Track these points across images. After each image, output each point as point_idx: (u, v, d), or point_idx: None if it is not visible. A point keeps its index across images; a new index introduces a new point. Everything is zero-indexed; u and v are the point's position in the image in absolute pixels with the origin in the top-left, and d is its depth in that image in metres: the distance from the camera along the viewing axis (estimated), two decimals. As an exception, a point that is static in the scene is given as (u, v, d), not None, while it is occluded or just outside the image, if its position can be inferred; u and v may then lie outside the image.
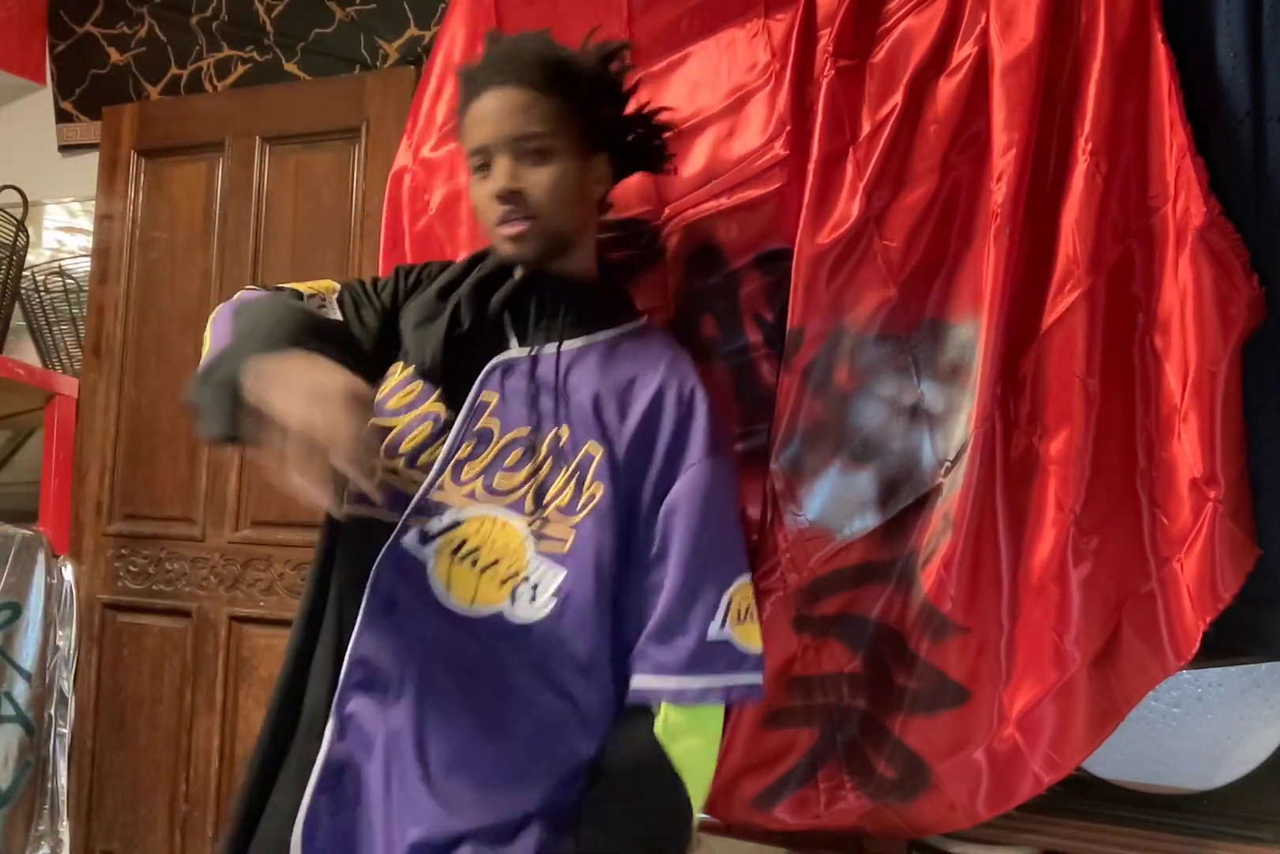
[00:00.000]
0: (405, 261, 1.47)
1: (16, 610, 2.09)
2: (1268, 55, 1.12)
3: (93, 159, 2.33)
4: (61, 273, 2.37)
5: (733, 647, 1.05)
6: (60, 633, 2.16)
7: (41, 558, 2.14)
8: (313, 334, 0.99)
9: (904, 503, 1.21)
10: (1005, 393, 1.17)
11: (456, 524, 1.05)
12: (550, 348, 1.11)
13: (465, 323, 1.11)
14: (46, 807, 2.12)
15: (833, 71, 1.24)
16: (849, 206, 1.22)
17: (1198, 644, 1.09)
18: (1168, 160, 1.11)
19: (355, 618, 1.04)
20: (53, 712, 2.14)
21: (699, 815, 1.06)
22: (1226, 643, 1.13)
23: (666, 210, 1.34)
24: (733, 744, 1.26)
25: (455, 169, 1.52)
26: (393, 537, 1.05)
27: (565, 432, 1.08)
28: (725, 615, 1.06)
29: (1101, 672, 1.13)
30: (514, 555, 1.05)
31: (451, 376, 1.10)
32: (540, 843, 1.00)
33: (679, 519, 1.06)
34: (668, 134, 1.26)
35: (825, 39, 1.26)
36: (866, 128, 1.23)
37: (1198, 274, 1.09)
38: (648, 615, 1.06)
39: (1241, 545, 1.09)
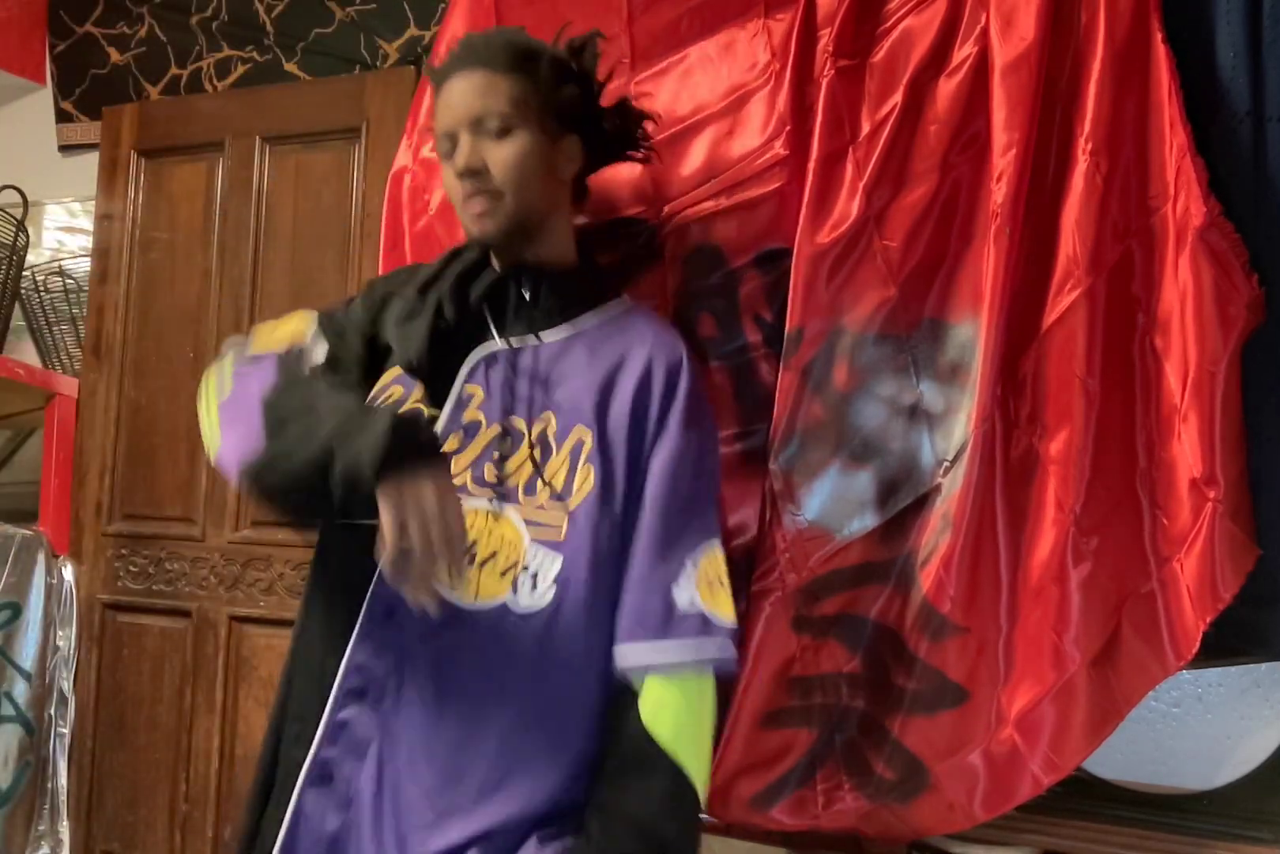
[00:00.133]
0: (405, 262, 1.47)
1: (16, 610, 2.09)
2: (1268, 55, 1.12)
3: (93, 159, 2.32)
4: (61, 273, 2.37)
5: (700, 613, 1.05)
6: (60, 633, 2.16)
7: (41, 558, 2.13)
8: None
9: (903, 503, 1.21)
10: (1005, 393, 1.17)
11: None
12: (532, 338, 1.12)
13: (450, 317, 1.11)
14: (46, 807, 2.12)
15: (833, 71, 1.24)
16: (849, 206, 1.22)
17: (1198, 644, 1.09)
18: (1168, 160, 1.11)
19: (353, 624, 1.04)
20: (53, 712, 2.14)
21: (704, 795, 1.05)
22: (1226, 643, 1.13)
23: (666, 210, 1.34)
24: (731, 744, 1.26)
25: (455, 169, 1.52)
26: None
27: (553, 419, 1.09)
28: (694, 582, 1.06)
29: (1101, 672, 1.13)
30: (511, 546, 1.05)
31: (435, 373, 1.10)
32: (550, 847, 1.00)
33: (649, 487, 1.07)
34: (648, 122, 1.25)
35: (825, 39, 1.27)
36: (866, 127, 1.23)
37: (1198, 274, 1.09)
38: None
39: (1241, 545, 1.09)
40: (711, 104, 1.33)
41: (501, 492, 1.06)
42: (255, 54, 2.29)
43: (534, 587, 1.04)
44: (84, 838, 2.14)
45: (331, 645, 1.05)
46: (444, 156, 1.13)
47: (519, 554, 1.04)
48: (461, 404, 1.09)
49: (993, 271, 1.14)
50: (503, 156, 1.09)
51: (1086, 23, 1.15)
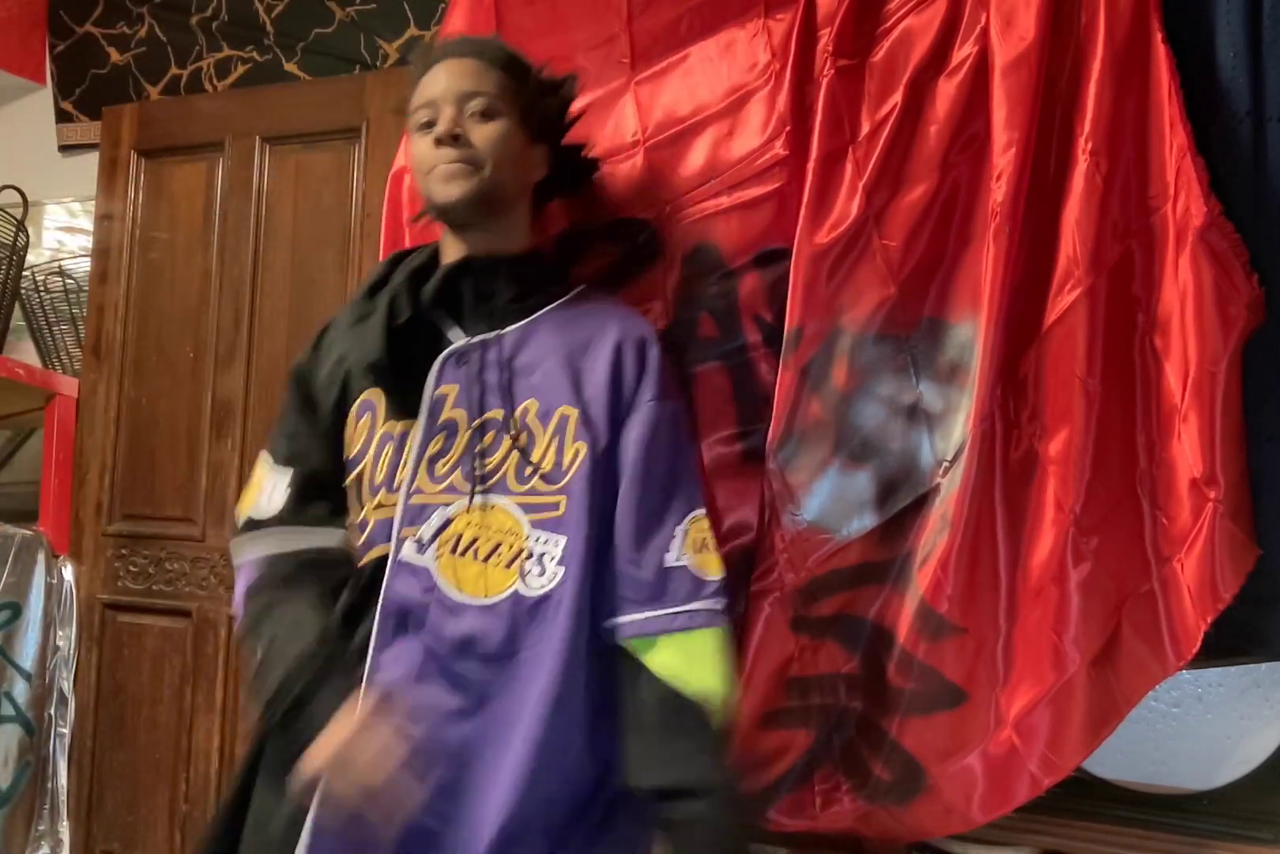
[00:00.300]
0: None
1: (16, 610, 2.09)
2: (1268, 55, 1.12)
3: (93, 159, 2.32)
4: (61, 273, 2.37)
5: (690, 574, 1.06)
6: (60, 633, 2.16)
7: (41, 558, 2.13)
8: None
9: (902, 503, 1.21)
10: (1005, 393, 1.17)
11: (448, 523, 1.06)
12: (496, 330, 1.12)
13: (402, 315, 1.11)
14: (46, 807, 2.12)
15: (832, 71, 1.24)
16: (848, 206, 1.22)
17: (1198, 644, 1.09)
18: (1168, 160, 1.11)
19: (367, 641, 1.03)
20: (53, 712, 2.14)
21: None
22: (1226, 643, 1.13)
23: (666, 209, 1.34)
24: (730, 744, 1.26)
25: (455, 169, 1.52)
26: (391, 556, 1.05)
27: (533, 404, 1.09)
28: (681, 545, 1.07)
29: (1101, 672, 1.13)
30: (512, 535, 1.05)
31: (400, 376, 1.10)
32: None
33: (628, 458, 1.08)
34: (592, 169, 1.29)
35: (825, 39, 1.26)
36: (866, 127, 1.23)
37: (1198, 274, 1.09)
38: None
39: (1241, 545, 1.09)
40: (711, 104, 1.33)
41: (493, 483, 1.06)
42: (255, 54, 2.29)
43: (542, 570, 1.04)
44: (84, 838, 2.14)
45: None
46: (418, 127, 1.13)
47: (521, 541, 1.05)
48: (437, 405, 1.09)
49: (992, 271, 1.14)
50: (485, 134, 1.12)
51: (1086, 23, 1.15)
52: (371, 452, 1.10)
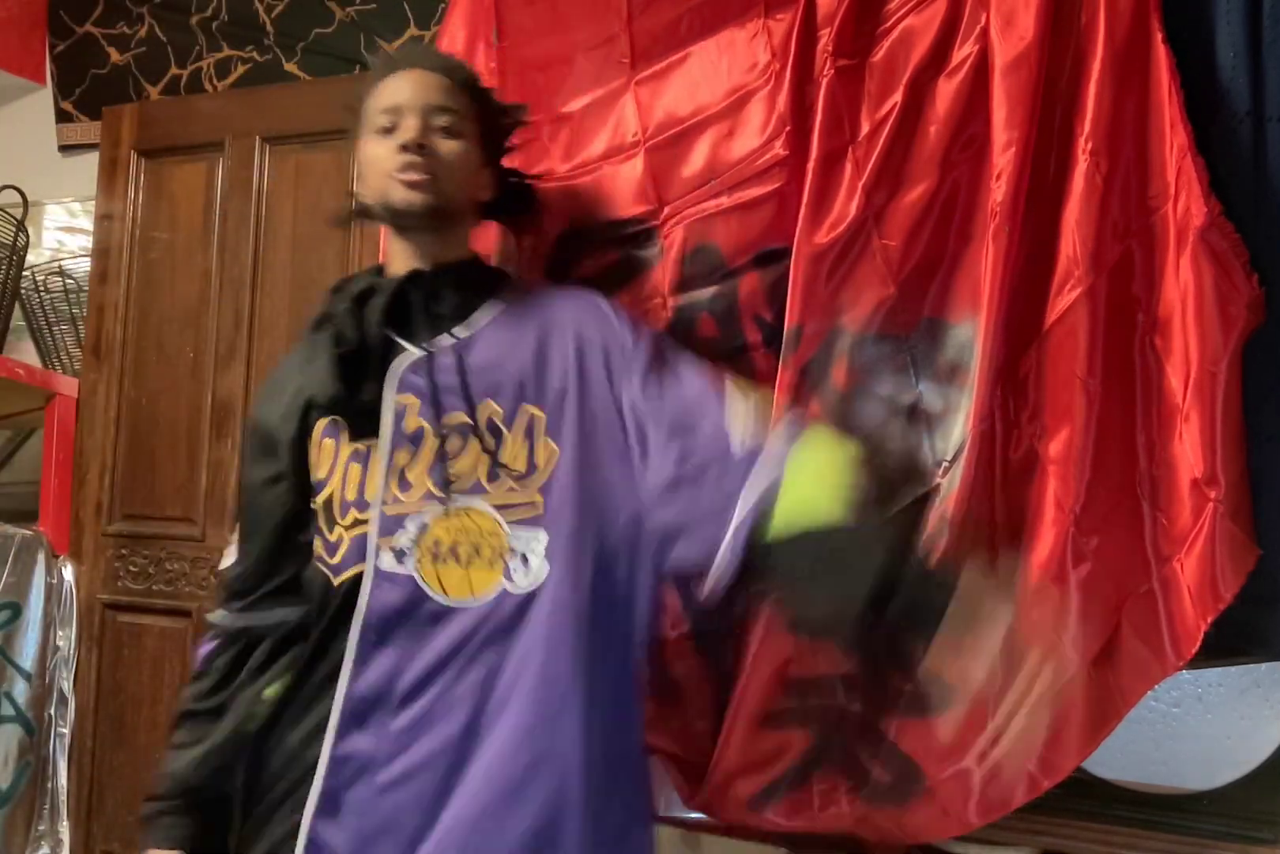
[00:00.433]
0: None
1: (16, 610, 2.09)
2: (1268, 55, 1.12)
3: (93, 159, 2.32)
4: (61, 273, 2.37)
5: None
6: (60, 633, 2.16)
7: (41, 558, 2.14)
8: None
9: (902, 503, 1.20)
10: (1005, 393, 1.17)
11: (425, 529, 1.06)
12: (446, 337, 1.12)
13: (351, 338, 1.12)
14: (46, 807, 2.12)
15: (832, 71, 1.24)
16: (848, 205, 1.21)
17: (1198, 644, 1.09)
18: (1168, 160, 1.11)
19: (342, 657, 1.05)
20: (53, 712, 2.14)
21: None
22: (1226, 643, 1.12)
23: (666, 210, 1.34)
24: (729, 744, 1.26)
25: (455, 169, 1.52)
26: (369, 567, 1.05)
27: (494, 405, 1.09)
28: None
29: (1100, 673, 1.13)
30: (492, 536, 1.05)
31: (355, 401, 1.10)
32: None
33: (647, 399, 1.10)
34: (531, 195, 1.31)
35: (825, 39, 1.26)
36: (866, 127, 1.23)
37: (1198, 274, 1.09)
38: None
39: (1242, 545, 1.08)
40: (711, 104, 1.33)
41: (466, 487, 1.07)
42: (255, 54, 2.29)
43: (527, 568, 1.04)
44: (84, 838, 2.14)
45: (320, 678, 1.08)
46: (377, 130, 1.14)
47: (502, 541, 1.05)
48: (400, 417, 1.09)
49: (992, 271, 1.14)
50: (449, 148, 1.14)
51: (1086, 22, 1.15)
52: (339, 472, 1.11)
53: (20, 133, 2.54)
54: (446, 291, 1.15)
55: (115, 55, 2.45)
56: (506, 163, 1.27)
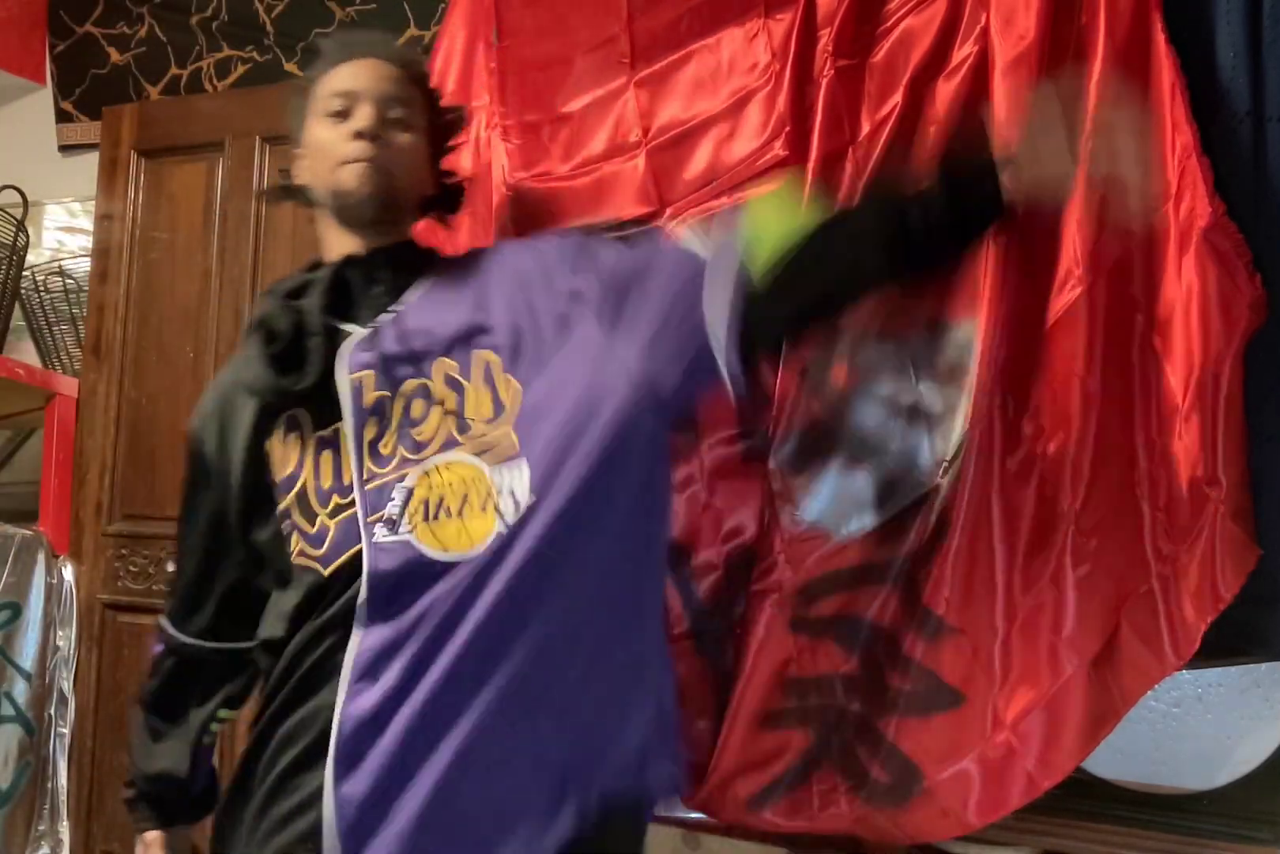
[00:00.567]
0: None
1: (16, 610, 2.09)
2: (1268, 55, 1.11)
3: (93, 159, 2.32)
4: (61, 273, 2.37)
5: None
6: (60, 633, 2.16)
7: (41, 558, 2.13)
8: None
9: (902, 503, 1.20)
10: (1004, 393, 1.17)
11: (410, 494, 1.05)
12: (387, 313, 1.12)
13: (285, 332, 1.11)
14: (46, 807, 2.12)
15: (832, 71, 1.24)
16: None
17: (1197, 644, 1.09)
18: (1168, 160, 1.11)
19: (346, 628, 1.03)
20: (53, 712, 2.14)
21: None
22: (1226, 643, 1.12)
23: (668, 211, 1.34)
24: (728, 744, 1.26)
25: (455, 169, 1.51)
26: (365, 543, 1.04)
27: (449, 361, 1.09)
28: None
29: (1100, 673, 1.13)
30: (476, 483, 1.04)
31: (310, 391, 1.10)
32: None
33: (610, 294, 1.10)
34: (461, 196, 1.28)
35: (825, 39, 1.26)
36: (866, 127, 1.23)
37: (1202, 275, 1.08)
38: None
39: (1242, 545, 1.08)
40: (712, 105, 1.33)
41: (439, 445, 1.07)
42: (255, 54, 2.29)
43: (515, 503, 1.03)
44: (84, 838, 2.14)
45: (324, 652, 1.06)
46: (329, 114, 1.13)
47: (487, 483, 1.04)
48: (358, 394, 1.09)
49: (992, 271, 1.14)
50: (402, 142, 1.13)
51: (1086, 22, 1.15)
52: (309, 463, 1.10)
53: (20, 133, 2.54)
54: (383, 272, 1.14)
55: (115, 55, 2.45)
56: (445, 163, 1.26)
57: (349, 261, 1.14)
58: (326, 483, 1.09)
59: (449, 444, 1.06)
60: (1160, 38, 1.12)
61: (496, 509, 1.03)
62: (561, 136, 1.43)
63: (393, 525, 1.05)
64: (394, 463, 1.07)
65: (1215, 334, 1.08)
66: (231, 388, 1.18)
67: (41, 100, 2.54)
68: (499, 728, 1.00)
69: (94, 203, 2.31)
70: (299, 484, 1.10)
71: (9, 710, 2.06)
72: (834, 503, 1.23)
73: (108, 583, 2.19)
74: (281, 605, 1.11)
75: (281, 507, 1.11)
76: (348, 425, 1.08)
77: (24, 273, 2.32)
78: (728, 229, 1.11)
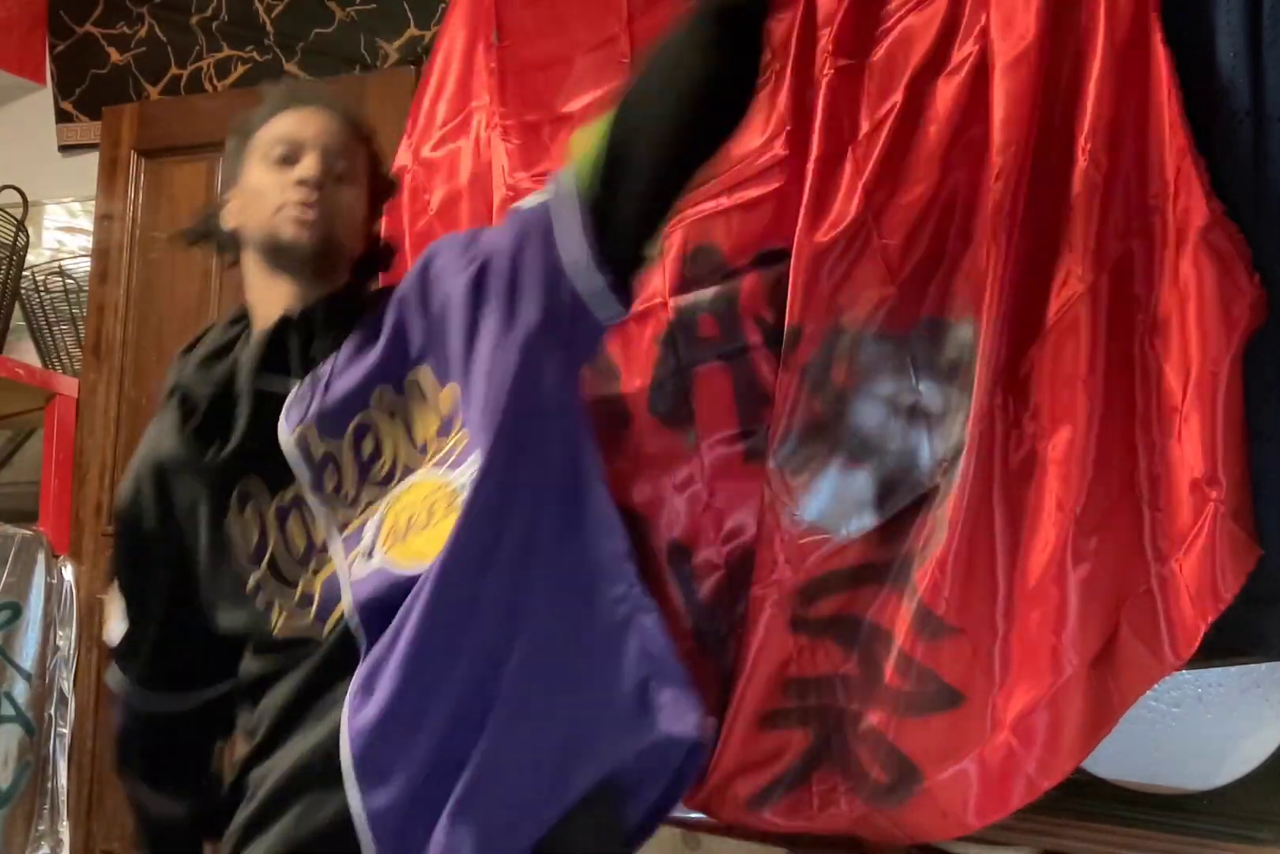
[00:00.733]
0: (405, 262, 1.46)
1: (16, 610, 2.09)
2: (1268, 55, 1.11)
3: (93, 159, 2.32)
4: (61, 273, 2.37)
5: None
6: (60, 633, 2.16)
7: (41, 558, 2.13)
8: None
9: (902, 503, 1.20)
10: (1005, 392, 1.17)
11: (380, 524, 1.06)
12: (323, 365, 1.11)
13: (202, 406, 1.11)
14: (46, 807, 2.12)
15: (832, 71, 1.24)
16: (848, 205, 1.21)
17: (1197, 644, 1.09)
18: (1167, 160, 1.11)
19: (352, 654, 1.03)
20: (53, 712, 2.14)
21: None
22: (1226, 643, 1.12)
23: (666, 210, 1.34)
24: (728, 744, 1.25)
25: (455, 169, 1.52)
26: (344, 580, 1.05)
27: (387, 393, 1.10)
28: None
29: (1099, 674, 1.12)
30: (440, 490, 1.05)
31: (258, 456, 1.09)
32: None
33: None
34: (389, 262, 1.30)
35: (825, 39, 1.26)
36: (866, 127, 1.23)
37: (1200, 274, 1.08)
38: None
39: (1243, 545, 1.08)
40: (712, 104, 1.33)
41: (399, 476, 1.08)
42: (255, 54, 2.29)
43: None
44: (84, 838, 2.14)
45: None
46: (273, 159, 1.13)
47: (450, 488, 1.04)
48: (306, 449, 1.08)
49: (992, 271, 1.14)
50: (345, 197, 1.14)
51: (1086, 22, 1.15)
52: (273, 531, 1.10)
53: (20, 133, 2.54)
54: (321, 330, 1.13)
55: (115, 55, 2.44)
56: (377, 225, 1.27)
57: (286, 322, 1.13)
58: (301, 543, 1.09)
59: (410, 469, 1.08)
60: (1158, 38, 1.12)
61: (462, 503, 1.03)
62: (561, 136, 1.43)
63: (368, 556, 1.05)
64: (363, 504, 1.08)
65: (1214, 333, 1.08)
66: (160, 465, 1.16)
67: (41, 100, 2.54)
68: (516, 697, 1.02)
69: (94, 203, 2.30)
70: (268, 555, 1.10)
71: (9, 710, 2.06)
72: (834, 503, 1.23)
73: (108, 583, 2.19)
74: (269, 660, 1.11)
75: (251, 583, 1.11)
76: (304, 482, 1.08)
77: (24, 273, 2.32)
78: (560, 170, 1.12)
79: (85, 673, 2.17)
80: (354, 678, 1.02)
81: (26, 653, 2.10)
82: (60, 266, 2.37)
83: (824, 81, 1.24)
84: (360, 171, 1.17)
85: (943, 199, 1.21)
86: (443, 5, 1.97)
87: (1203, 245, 1.08)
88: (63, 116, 2.51)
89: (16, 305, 2.33)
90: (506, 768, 1.01)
